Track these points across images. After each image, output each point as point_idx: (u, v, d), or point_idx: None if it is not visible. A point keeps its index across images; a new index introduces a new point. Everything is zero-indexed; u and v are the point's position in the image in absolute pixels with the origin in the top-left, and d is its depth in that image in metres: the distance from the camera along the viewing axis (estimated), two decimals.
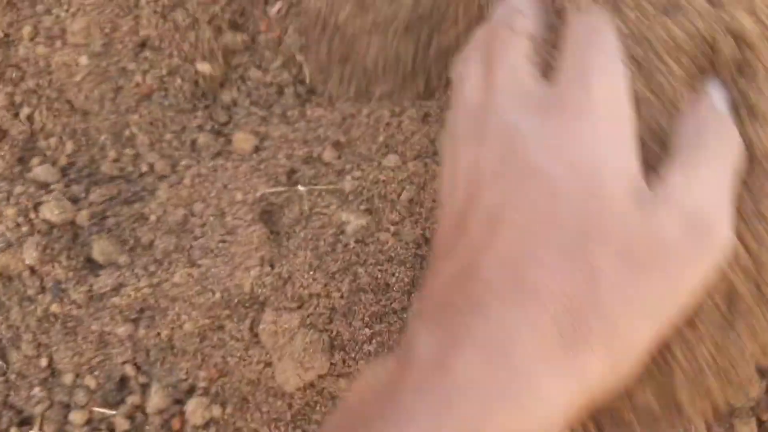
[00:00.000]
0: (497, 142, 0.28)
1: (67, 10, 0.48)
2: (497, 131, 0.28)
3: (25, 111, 0.48)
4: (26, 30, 0.48)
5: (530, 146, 0.27)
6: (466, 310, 0.26)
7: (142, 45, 0.48)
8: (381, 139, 0.44)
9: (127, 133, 0.48)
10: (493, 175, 0.28)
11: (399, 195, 0.41)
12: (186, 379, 0.41)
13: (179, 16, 0.48)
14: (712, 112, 0.28)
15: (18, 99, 0.48)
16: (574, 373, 0.25)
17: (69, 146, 0.48)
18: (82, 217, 0.44)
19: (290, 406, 0.39)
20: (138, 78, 0.48)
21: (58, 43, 0.48)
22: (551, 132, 0.27)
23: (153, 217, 0.44)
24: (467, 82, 0.30)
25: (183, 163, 0.46)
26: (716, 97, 0.29)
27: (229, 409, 0.39)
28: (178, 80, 0.48)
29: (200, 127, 0.48)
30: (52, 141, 0.48)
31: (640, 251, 0.26)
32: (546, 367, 0.24)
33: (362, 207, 0.41)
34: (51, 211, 0.43)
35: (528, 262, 0.26)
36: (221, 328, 0.40)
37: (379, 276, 0.39)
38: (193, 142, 0.47)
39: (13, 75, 0.48)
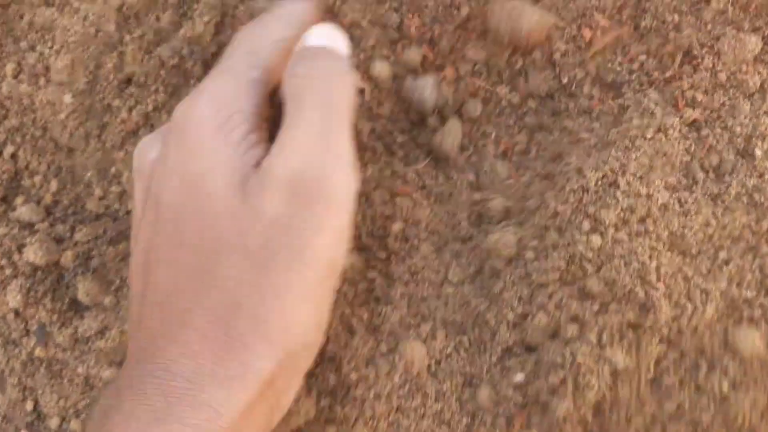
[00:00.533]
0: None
1: (51, 47, 0.48)
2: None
3: (9, 149, 0.48)
4: (9, 67, 0.48)
5: (159, 184, 0.30)
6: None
7: (127, 81, 0.48)
8: None
9: (113, 170, 0.47)
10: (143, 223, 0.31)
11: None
12: None
13: (164, 52, 0.47)
14: (304, 61, 0.30)
15: (1, 137, 0.48)
16: (236, 376, 0.26)
17: (54, 184, 0.48)
18: (67, 258, 0.44)
19: None
20: (123, 114, 0.47)
21: (42, 81, 0.47)
22: (167, 162, 0.31)
23: None
24: None
25: None
26: (313, 41, 0.31)
27: None
28: (164, 116, 0.47)
29: None
30: (37, 179, 0.48)
31: (256, 242, 0.27)
32: (207, 378, 0.26)
33: None
34: (35, 254, 0.43)
35: (174, 296, 0.28)
36: None
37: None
38: None
39: None
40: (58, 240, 0.45)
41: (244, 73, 0.31)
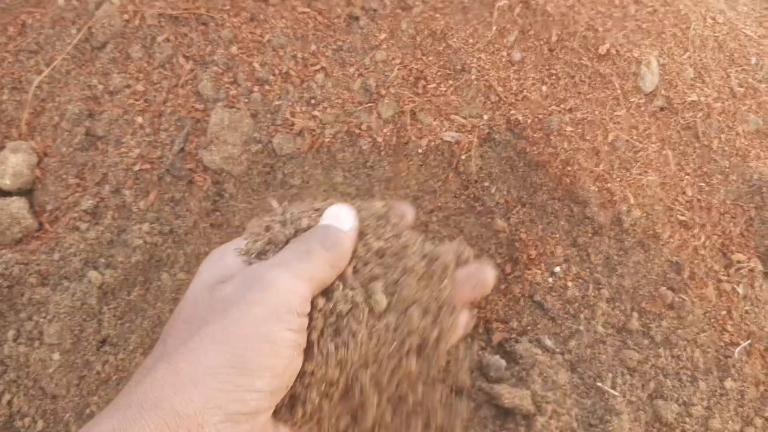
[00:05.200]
0: None
1: (45, 317, 0.63)
2: None
3: (6, 397, 0.62)
4: (11, 333, 0.63)
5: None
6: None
7: (103, 342, 0.63)
8: None
9: (87, 411, 0.62)
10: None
11: None
12: None
13: (136, 318, 0.63)
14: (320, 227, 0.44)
15: (1, 388, 0.62)
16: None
17: (40, 424, 0.62)
18: None
19: None
20: (99, 368, 0.62)
21: (37, 343, 0.63)
22: None
23: None
24: None
25: None
26: (330, 216, 0.45)
27: None
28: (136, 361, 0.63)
29: None
30: (27, 420, 0.62)
31: (201, 309, 0.39)
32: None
33: None
34: None
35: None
36: None
37: None
38: None
39: None
40: None
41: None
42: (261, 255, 0.43)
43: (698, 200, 0.74)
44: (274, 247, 0.43)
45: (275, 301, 0.37)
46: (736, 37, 0.81)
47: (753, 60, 0.80)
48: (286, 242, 0.43)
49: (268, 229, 0.44)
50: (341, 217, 0.44)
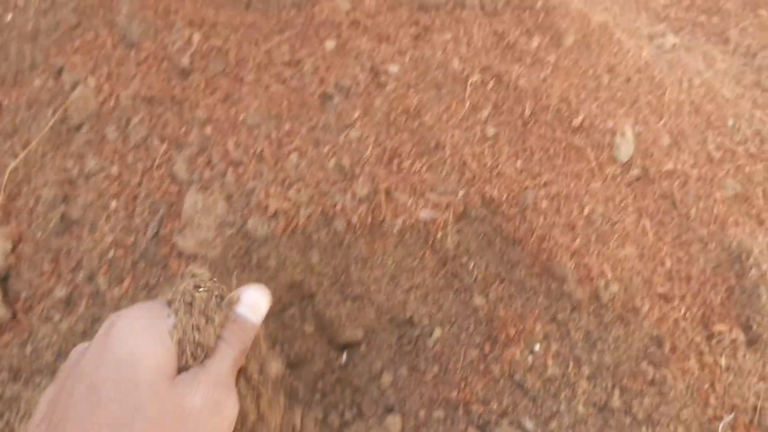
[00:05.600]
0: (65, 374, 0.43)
1: (16, 414, 0.63)
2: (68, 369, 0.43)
3: None
4: None
5: (83, 361, 0.42)
6: None
7: None
8: None
9: None
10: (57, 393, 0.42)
11: None
12: None
13: None
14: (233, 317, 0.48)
15: None
16: None
17: None
18: None
19: None
20: None
21: None
22: (96, 349, 0.42)
23: None
24: None
25: None
26: (243, 301, 0.49)
27: None
28: None
29: None
30: None
31: (171, 417, 0.40)
32: None
33: None
34: None
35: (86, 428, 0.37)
36: None
37: None
38: None
39: None
40: None
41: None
42: (194, 356, 0.45)
43: (677, 271, 0.73)
44: (202, 350, 0.46)
45: (228, 424, 0.43)
46: (713, 99, 0.81)
47: (730, 122, 0.79)
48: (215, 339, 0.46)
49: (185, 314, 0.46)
50: (256, 307, 0.49)
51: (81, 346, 0.46)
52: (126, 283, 0.72)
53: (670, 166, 0.74)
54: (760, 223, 0.76)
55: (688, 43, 0.88)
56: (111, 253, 0.73)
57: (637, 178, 0.74)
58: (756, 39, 0.89)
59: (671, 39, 0.84)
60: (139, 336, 0.42)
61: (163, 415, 0.39)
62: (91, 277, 0.72)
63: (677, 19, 0.91)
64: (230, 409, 0.43)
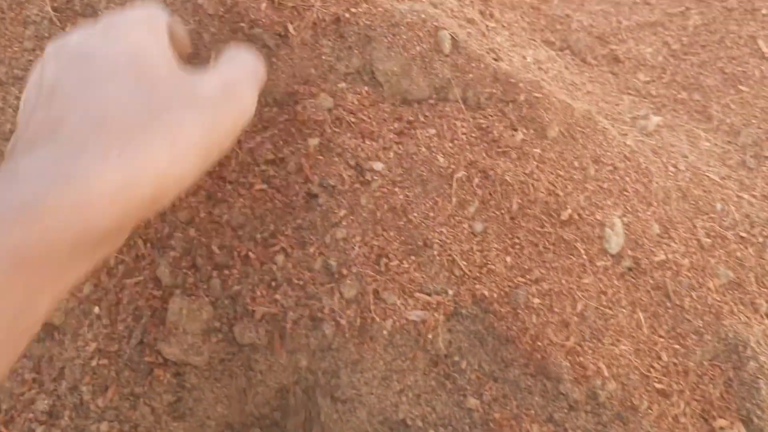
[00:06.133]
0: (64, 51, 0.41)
1: None
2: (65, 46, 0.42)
3: None
4: None
5: (87, 41, 0.42)
6: (47, 137, 0.36)
7: None
8: None
9: None
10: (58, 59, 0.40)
11: None
12: None
13: None
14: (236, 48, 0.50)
15: None
16: (125, 169, 0.34)
17: None
18: None
19: None
20: None
21: None
22: (105, 32, 0.42)
23: None
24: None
25: None
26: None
27: None
28: None
29: None
30: None
31: (186, 98, 0.39)
32: (103, 164, 0.33)
33: None
34: None
35: (98, 105, 0.36)
36: None
37: None
38: None
39: None
40: None
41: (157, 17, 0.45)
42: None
43: (674, 364, 0.71)
44: None
45: (245, 119, 0.45)
46: (699, 183, 0.80)
47: (718, 206, 0.79)
48: None
49: None
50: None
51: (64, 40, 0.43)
52: (110, 392, 0.70)
53: (661, 256, 0.73)
54: (755, 310, 0.74)
55: (670, 122, 0.88)
56: (94, 362, 0.71)
57: (629, 270, 0.73)
58: (738, 116, 0.89)
59: (654, 120, 0.84)
60: (145, 31, 0.42)
61: (178, 94, 0.38)
62: (74, 387, 0.70)
63: (658, 96, 0.91)
64: (249, 104, 0.44)
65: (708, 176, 0.81)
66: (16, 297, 0.30)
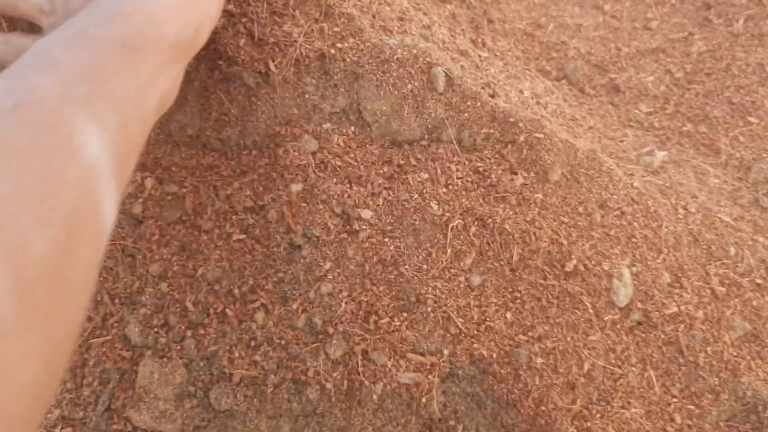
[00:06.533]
0: None
1: None
2: None
3: None
4: None
5: None
6: None
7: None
8: None
9: None
10: None
11: None
12: None
13: None
14: None
15: None
16: None
17: None
18: None
19: None
20: None
21: None
22: None
23: None
24: None
25: None
26: None
27: None
28: None
29: None
30: None
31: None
32: None
33: None
34: None
35: None
36: None
37: None
38: None
39: None
40: None
41: None
42: None
43: (689, 426, 0.66)
44: None
45: None
46: (711, 226, 0.75)
47: (732, 251, 0.73)
48: None
49: None
50: None
51: None
52: None
53: (673, 308, 0.68)
54: None
55: (676, 157, 0.83)
56: (57, 430, 0.65)
57: (639, 324, 0.68)
58: (748, 150, 0.84)
59: (659, 155, 0.79)
60: None
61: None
62: None
63: (662, 129, 0.86)
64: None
65: (720, 218, 0.76)
66: (133, 76, 0.39)
